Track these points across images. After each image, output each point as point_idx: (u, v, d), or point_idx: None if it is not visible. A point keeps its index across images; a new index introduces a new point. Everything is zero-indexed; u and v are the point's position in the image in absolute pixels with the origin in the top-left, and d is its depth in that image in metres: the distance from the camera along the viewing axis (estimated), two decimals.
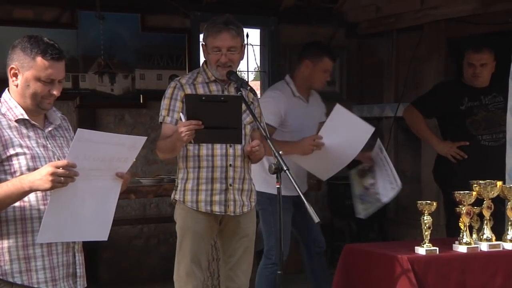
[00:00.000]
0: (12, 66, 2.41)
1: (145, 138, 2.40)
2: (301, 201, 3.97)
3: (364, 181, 4.08)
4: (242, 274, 3.52)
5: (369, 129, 4.05)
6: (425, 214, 3.34)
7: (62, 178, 2.21)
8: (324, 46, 4.55)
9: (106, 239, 2.45)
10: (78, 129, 2.26)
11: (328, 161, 4.09)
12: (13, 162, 2.34)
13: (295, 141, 4.07)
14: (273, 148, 2.92)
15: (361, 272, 3.47)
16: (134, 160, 2.43)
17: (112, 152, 2.33)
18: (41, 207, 2.36)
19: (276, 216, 3.93)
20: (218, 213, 3.42)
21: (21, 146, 2.36)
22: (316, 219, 2.69)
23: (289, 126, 4.16)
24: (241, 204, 3.46)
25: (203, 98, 3.15)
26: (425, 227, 3.32)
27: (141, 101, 5.85)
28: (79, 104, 5.61)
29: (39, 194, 2.34)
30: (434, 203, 3.37)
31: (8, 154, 2.34)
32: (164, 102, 3.43)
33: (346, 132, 4.01)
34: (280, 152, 2.87)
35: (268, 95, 4.29)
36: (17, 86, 2.41)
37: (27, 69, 2.39)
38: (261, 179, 4.02)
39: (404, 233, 6.16)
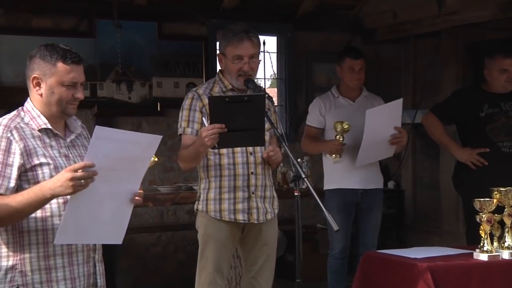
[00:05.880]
0: (34, 75, 2.41)
1: (160, 137, 2.39)
2: (364, 200, 4.49)
3: None
4: (264, 283, 3.50)
5: (398, 103, 4.37)
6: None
7: (82, 181, 2.21)
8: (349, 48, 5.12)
9: (120, 242, 2.43)
10: (97, 126, 2.25)
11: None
12: (38, 172, 2.35)
13: (324, 141, 4.47)
14: (291, 156, 2.91)
15: (380, 279, 3.45)
16: (154, 159, 2.40)
17: (130, 151, 2.32)
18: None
19: None
20: (242, 221, 3.40)
21: (44, 156, 2.37)
22: (335, 227, 2.66)
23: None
24: (265, 212, 3.44)
25: (227, 99, 3.14)
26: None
27: (158, 109, 5.87)
28: (97, 112, 5.64)
29: (61, 204, 2.35)
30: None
31: (32, 163, 2.35)
32: (183, 114, 3.41)
33: (382, 123, 4.29)
34: (299, 160, 2.87)
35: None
36: (41, 95, 2.42)
37: (49, 76, 2.40)
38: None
39: (422, 240, 6.11)
